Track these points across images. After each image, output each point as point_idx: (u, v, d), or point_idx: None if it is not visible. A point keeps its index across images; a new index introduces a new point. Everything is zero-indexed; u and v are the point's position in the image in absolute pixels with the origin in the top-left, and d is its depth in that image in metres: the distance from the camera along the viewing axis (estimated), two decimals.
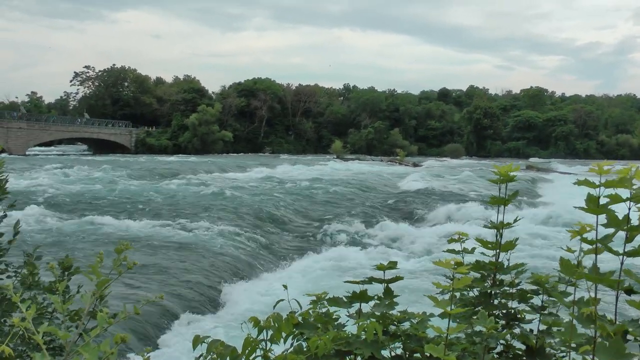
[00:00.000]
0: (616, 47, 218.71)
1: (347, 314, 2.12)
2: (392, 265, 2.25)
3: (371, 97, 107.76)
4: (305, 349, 1.87)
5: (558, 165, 61.95)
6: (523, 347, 2.03)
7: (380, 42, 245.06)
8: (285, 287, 2.10)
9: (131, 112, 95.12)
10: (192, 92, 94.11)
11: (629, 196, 1.73)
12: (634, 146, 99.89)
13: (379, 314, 2.04)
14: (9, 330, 2.17)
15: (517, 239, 2.26)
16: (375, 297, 2.15)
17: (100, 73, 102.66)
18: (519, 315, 2.14)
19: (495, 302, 2.18)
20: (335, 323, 2.04)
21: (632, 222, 1.74)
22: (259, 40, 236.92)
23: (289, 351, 1.90)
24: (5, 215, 2.67)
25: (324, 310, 2.10)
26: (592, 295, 1.79)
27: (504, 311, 2.15)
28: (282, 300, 2.07)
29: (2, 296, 2.30)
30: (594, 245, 1.80)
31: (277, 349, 1.87)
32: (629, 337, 1.71)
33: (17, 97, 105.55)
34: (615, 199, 1.73)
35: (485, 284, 2.22)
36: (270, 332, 1.85)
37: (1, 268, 2.51)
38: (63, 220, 18.58)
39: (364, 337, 1.89)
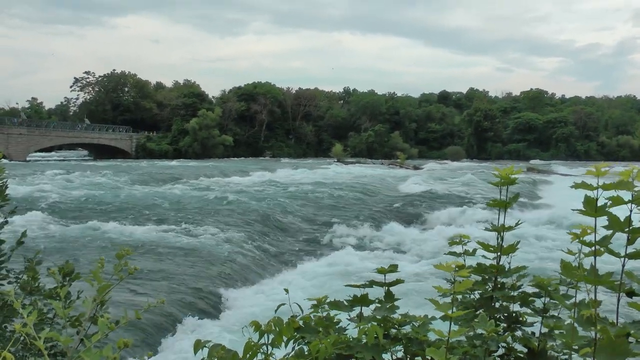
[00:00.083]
0: (616, 49, 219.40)
1: (349, 318, 2.12)
2: (393, 268, 2.25)
3: (371, 100, 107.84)
4: (306, 353, 1.87)
5: (559, 167, 61.94)
6: (525, 349, 2.03)
7: (380, 45, 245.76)
8: (286, 291, 2.09)
9: (131, 117, 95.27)
10: (192, 97, 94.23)
11: (630, 198, 1.73)
12: (635, 147, 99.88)
13: (380, 317, 2.04)
14: (10, 336, 2.17)
15: (518, 241, 2.26)
16: (377, 300, 2.15)
17: (100, 78, 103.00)
18: (520, 318, 2.14)
19: (497, 305, 2.18)
20: (337, 327, 2.03)
21: (634, 224, 1.74)
22: (258, 44, 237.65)
23: (290, 355, 1.90)
24: (7, 222, 2.67)
25: (325, 314, 2.10)
26: (593, 297, 1.79)
27: (506, 314, 2.15)
28: (283, 304, 2.07)
29: (3, 302, 2.30)
30: (593, 248, 1.80)
31: (279, 353, 1.87)
32: (630, 339, 1.71)
33: (17, 103, 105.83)
34: (617, 201, 1.73)
35: (487, 287, 2.22)
36: (271, 336, 1.85)
37: (2, 274, 2.51)
38: (66, 226, 18.49)
39: (364, 340, 1.89)
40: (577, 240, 1.84)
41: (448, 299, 1.82)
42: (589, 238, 1.81)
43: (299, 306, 2.04)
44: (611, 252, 1.78)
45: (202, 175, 40.76)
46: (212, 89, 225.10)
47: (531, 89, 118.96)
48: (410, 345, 1.96)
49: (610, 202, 1.74)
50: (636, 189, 1.71)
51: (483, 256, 2.26)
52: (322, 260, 15.81)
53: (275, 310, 2.00)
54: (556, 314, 2.11)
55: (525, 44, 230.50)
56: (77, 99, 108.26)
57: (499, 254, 2.22)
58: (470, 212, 22.89)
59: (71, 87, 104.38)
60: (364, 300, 2.12)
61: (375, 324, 1.91)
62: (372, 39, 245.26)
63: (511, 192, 2.27)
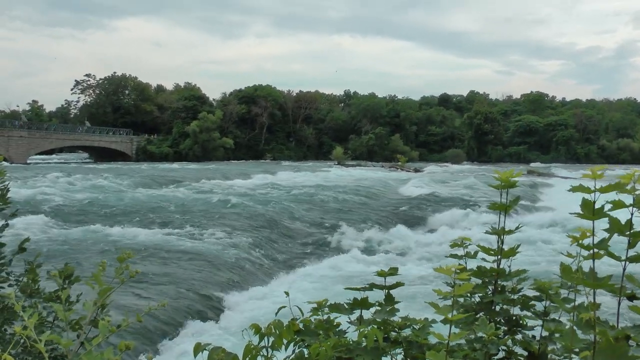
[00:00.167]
0: (616, 51, 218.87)
1: (349, 321, 2.12)
2: (393, 271, 2.25)
3: (372, 103, 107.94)
4: (306, 356, 1.87)
5: (559, 170, 62.00)
6: (525, 353, 2.03)
7: (380, 48, 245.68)
8: (287, 293, 2.09)
9: (132, 120, 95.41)
10: (192, 100, 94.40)
11: (631, 202, 1.73)
12: (635, 150, 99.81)
13: (380, 320, 2.04)
14: (10, 339, 2.17)
15: (518, 245, 2.26)
16: (377, 303, 2.15)
17: (101, 81, 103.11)
18: (521, 322, 2.14)
19: (497, 308, 2.18)
20: (337, 330, 2.04)
21: (635, 227, 1.74)
22: (259, 47, 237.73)
23: (290, 358, 1.90)
24: (7, 225, 2.67)
25: (325, 317, 2.10)
26: (593, 300, 1.79)
27: (506, 317, 2.15)
28: (284, 307, 2.07)
29: (3, 305, 2.30)
30: (591, 251, 1.80)
31: (279, 356, 1.87)
32: (630, 342, 1.71)
33: (18, 106, 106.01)
34: (618, 204, 1.73)
35: (487, 290, 2.22)
36: (271, 339, 1.85)
37: (2, 277, 2.52)
38: (68, 229, 18.41)
39: (364, 343, 1.89)
40: (576, 243, 1.84)
41: (448, 302, 1.82)
42: (587, 241, 1.81)
43: (300, 309, 2.04)
44: (611, 255, 1.78)
45: (204, 178, 40.72)
46: (213, 92, 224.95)
47: (532, 91, 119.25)
48: (410, 349, 1.96)
49: (610, 205, 1.74)
50: (637, 192, 1.71)
51: (483, 259, 2.26)
52: (326, 262, 15.77)
53: (276, 313, 2.00)
54: (557, 318, 2.10)
55: (525, 47, 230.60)
56: (77, 101, 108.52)
57: (499, 257, 2.23)
58: (475, 215, 22.93)
59: (72, 89, 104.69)
60: (364, 303, 2.12)
61: (375, 327, 1.91)
62: (372, 41, 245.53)
63: (512, 195, 2.27)
